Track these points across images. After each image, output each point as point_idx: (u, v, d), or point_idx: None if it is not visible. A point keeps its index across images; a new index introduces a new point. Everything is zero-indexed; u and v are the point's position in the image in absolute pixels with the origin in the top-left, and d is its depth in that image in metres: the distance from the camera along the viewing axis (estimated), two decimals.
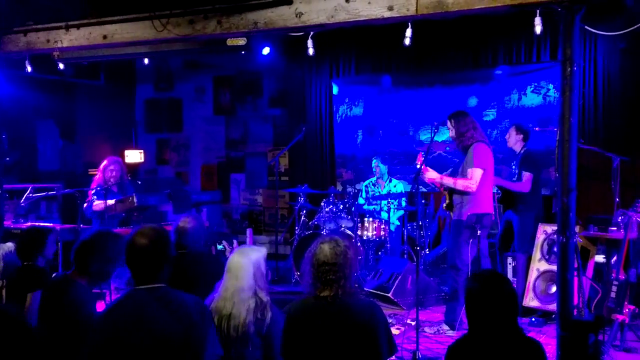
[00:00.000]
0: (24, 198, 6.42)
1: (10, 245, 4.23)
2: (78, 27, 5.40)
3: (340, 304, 2.78)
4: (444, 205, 5.25)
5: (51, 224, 6.58)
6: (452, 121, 5.27)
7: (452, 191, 5.17)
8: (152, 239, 2.57)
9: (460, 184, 5.04)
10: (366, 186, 7.54)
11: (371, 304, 2.92)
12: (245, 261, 3.23)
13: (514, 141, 5.93)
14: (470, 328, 2.51)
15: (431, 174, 5.09)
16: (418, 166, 5.02)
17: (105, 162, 6.46)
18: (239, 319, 3.11)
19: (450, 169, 7.73)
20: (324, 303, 2.80)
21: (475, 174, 5.00)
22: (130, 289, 2.58)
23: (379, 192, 7.36)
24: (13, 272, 3.94)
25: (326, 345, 2.74)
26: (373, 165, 7.41)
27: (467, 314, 2.53)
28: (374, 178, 7.48)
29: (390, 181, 7.39)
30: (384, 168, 7.35)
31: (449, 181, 5.09)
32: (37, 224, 6.45)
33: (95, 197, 6.25)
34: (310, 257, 2.86)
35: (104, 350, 2.46)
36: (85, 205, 6.21)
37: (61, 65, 6.33)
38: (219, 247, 5.00)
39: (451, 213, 5.20)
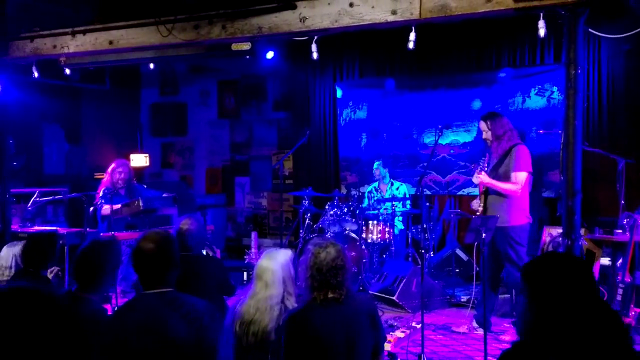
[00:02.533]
0: (30, 202, 6.45)
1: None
2: (84, 32, 5.45)
3: (347, 301, 2.85)
4: (480, 209, 5.18)
5: (58, 228, 6.62)
6: (488, 122, 5.14)
7: (487, 195, 5.11)
8: (158, 244, 2.60)
9: (505, 187, 4.96)
10: (369, 192, 7.54)
11: (367, 295, 3.00)
12: (275, 266, 3.22)
13: None
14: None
15: (484, 177, 5.02)
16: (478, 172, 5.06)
17: (113, 165, 6.49)
18: (260, 325, 3.11)
19: (454, 171, 7.77)
20: (333, 304, 2.83)
21: (520, 177, 4.93)
22: (139, 294, 2.60)
23: (382, 196, 7.36)
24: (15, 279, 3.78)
25: (340, 343, 2.77)
26: (374, 168, 7.41)
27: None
28: (377, 183, 7.49)
29: (392, 184, 7.40)
30: (384, 171, 7.35)
31: (497, 185, 5.00)
32: (43, 228, 6.48)
33: (102, 200, 6.28)
34: (316, 261, 2.86)
35: (114, 355, 2.46)
36: (91, 208, 6.24)
37: (67, 71, 6.38)
38: (202, 252, 5.00)
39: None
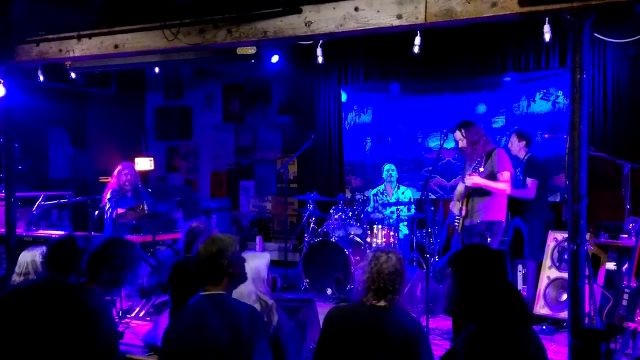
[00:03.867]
0: (35, 206, 6.46)
1: (44, 249, 3.92)
2: (90, 36, 5.45)
3: (393, 316, 2.85)
4: (463, 212, 5.23)
5: (62, 232, 6.63)
6: (463, 131, 5.31)
7: (469, 198, 5.18)
8: (218, 247, 2.74)
9: (498, 186, 5.10)
10: (374, 195, 7.53)
11: (418, 321, 2.99)
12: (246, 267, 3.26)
13: (517, 148, 5.94)
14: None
15: (476, 179, 5.12)
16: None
17: (119, 167, 6.52)
18: None
19: (459, 175, 7.75)
20: (379, 312, 2.84)
21: (507, 176, 5.13)
22: (197, 295, 2.75)
23: (388, 199, 7.35)
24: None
25: (370, 354, 2.76)
26: (387, 170, 7.36)
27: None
28: (382, 186, 7.46)
29: (398, 188, 7.38)
30: (396, 174, 7.36)
31: (490, 184, 5.12)
32: (50, 232, 6.50)
33: (110, 203, 6.29)
34: (377, 264, 2.90)
35: (169, 353, 2.65)
36: (96, 212, 6.25)
37: (73, 75, 6.40)
38: None
39: (462, 221, 5.19)
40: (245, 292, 3.19)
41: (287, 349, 3.27)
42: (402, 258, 2.99)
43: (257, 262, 3.34)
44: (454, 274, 2.49)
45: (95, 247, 3.17)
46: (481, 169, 5.19)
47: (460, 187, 5.60)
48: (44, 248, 4.03)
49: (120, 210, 6.14)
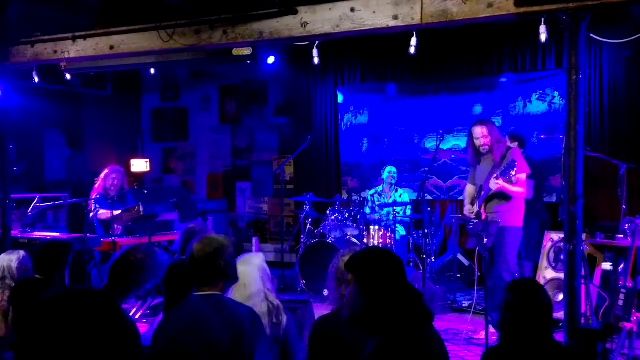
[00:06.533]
0: (31, 208, 6.44)
1: (21, 253, 4.08)
2: (85, 38, 5.45)
3: None
4: (483, 216, 5.13)
5: (58, 233, 6.61)
6: (487, 128, 5.14)
7: (488, 202, 5.10)
8: (215, 248, 2.70)
9: (515, 190, 5.02)
10: (372, 195, 7.52)
11: None
12: (251, 268, 3.20)
13: None
14: (503, 338, 2.46)
15: (501, 182, 4.99)
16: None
17: (106, 171, 6.47)
18: None
19: (456, 176, 7.76)
20: None
21: (523, 178, 5.03)
22: (190, 295, 2.71)
23: (385, 201, 7.34)
24: (25, 285, 3.78)
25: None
26: (389, 171, 7.32)
27: (500, 324, 2.50)
28: (380, 187, 7.45)
29: (396, 190, 7.37)
30: (396, 177, 7.35)
31: (509, 188, 5.03)
32: (44, 234, 6.47)
33: (97, 205, 6.26)
34: (334, 271, 2.88)
35: (160, 352, 2.59)
36: (91, 214, 6.23)
37: (68, 76, 6.38)
38: None
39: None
40: (254, 291, 3.12)
41: (295, 350, 3.22)
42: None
43: (258, 260, 3.28)
44: (356, 279, 2.34)
45: (126, 258, 3.05)
46: (512, 172, 4.94)
47: (470, 189, 5.49)
48: (21, 252, 4.07)
49: (115, 212, 6.12)
